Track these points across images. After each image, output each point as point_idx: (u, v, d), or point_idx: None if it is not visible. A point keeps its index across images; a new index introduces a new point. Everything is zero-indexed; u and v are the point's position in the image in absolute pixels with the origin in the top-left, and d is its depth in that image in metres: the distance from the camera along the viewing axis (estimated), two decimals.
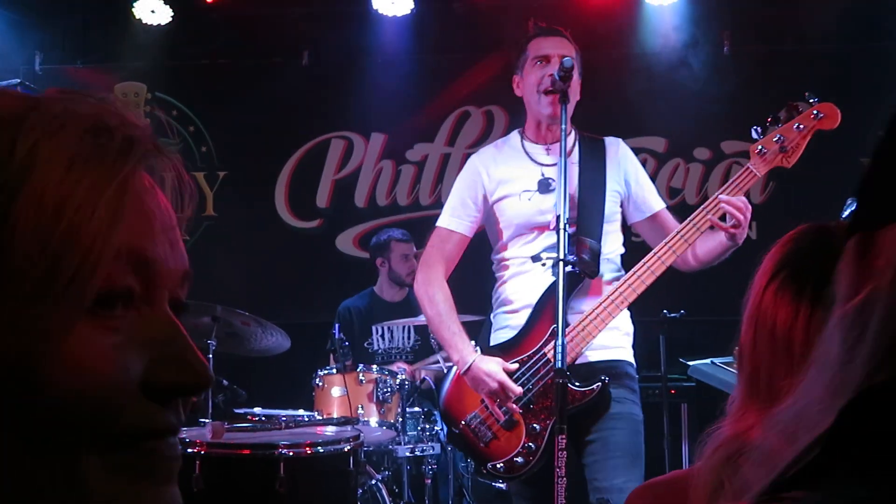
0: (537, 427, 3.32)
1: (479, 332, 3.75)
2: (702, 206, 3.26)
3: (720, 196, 3.20)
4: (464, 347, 3.45)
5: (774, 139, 3.20)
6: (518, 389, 3.32)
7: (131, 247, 0.63)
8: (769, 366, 1.44)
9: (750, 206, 3.19)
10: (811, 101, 3.21)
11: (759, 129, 3.23)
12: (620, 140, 3.68)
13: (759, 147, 3.21)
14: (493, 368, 3.35)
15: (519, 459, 3.34)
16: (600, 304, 3.28)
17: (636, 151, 3.78)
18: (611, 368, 3.37)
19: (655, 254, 3.28)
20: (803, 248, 1.49)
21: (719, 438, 1.41)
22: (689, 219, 3.28)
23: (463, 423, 3.46)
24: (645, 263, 3.27)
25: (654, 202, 3.58)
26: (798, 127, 3.19)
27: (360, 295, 6.06)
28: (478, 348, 3.48)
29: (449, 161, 7.02)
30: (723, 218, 3.21)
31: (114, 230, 0.61)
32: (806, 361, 1.12)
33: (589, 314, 3.26)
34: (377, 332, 5.86)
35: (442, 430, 5.25)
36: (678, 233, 3.28)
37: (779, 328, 1.43)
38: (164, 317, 0.66)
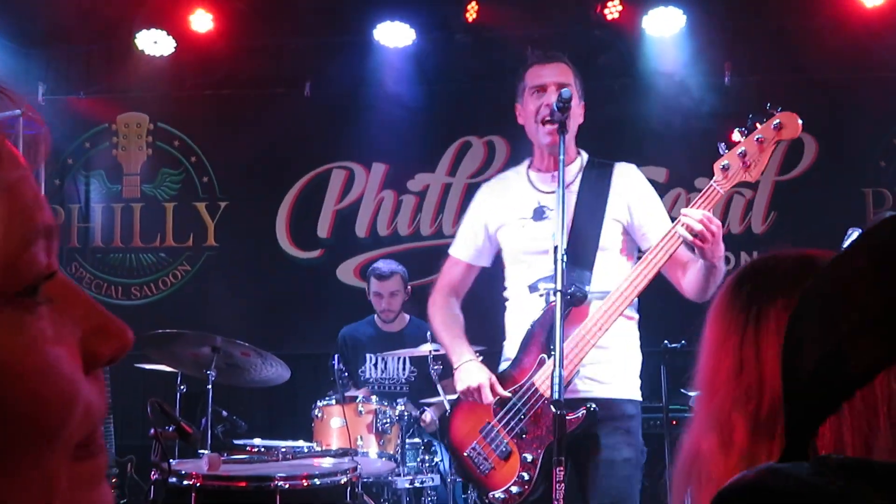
0: (529, 457, 3.33)
1: (490, 363, 3.74)
2: (669, 228, 3.21)
3: (682, 210, 3.17)
4: (460, 349, 3.60)
5: (738, 153, 3.09)
6: (490, 398, 3.39)
7: (42, 219, 0.58)
8: (706, 378, 1.50)
9: (716, 221, 3.08)
10: (771, 111, 3.09)
11: (724, 145, 3.16)
12: (633, 166, 3.62)
13: (723, 163, 3.11)
14: (479, 373, 3.46)
15: (515, 489, 3.36)
16: (578, 331, 3.25)
17: None
18: (606, 409, 3.34)
19: (628, 279, 3.25)
20: (747, 270, 1.54)
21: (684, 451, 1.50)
22: (656, 244, 3.24)
23: (465, 454, 3.50)
24: (619, 288, 3.25)
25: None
26: (759, 139, 3.07)
27: (360, 322, 6.04)
28: (479, 355, 3.60)
29: (450, 191, 7.02)
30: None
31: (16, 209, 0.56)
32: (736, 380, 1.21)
33: (567, 343, 3.23)
34: (371, 361, 5.83)
35: (441, 461, 5.22)
36: (647, 255, 3.24)
37: (713, 345, 1.49)
38: (68, 284, 0.61)
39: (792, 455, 0.88)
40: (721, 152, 3.13)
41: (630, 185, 3.55)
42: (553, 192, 3.45)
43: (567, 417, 3.16)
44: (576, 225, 3.42)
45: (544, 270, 3.40)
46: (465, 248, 3.74)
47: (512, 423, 3.38)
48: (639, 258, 3.48)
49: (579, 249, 3.38)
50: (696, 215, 3.07)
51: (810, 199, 6.53)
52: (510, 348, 3.54)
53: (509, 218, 3.58)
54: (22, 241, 0.56)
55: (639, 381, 3.51)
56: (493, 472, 3.42)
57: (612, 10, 6.53)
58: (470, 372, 3.50)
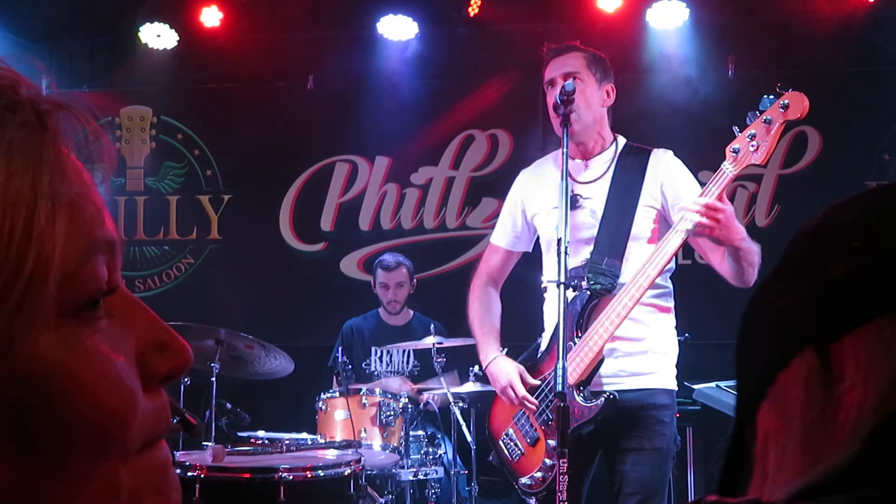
0: (552, 443, 3.34)
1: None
2: (673, 226, 3.21)
3: (681, 206, 3.18)
4: (488, 347, 3.61)
5: (746, 136, 3.07)
6: (523, 391, 3.40)
7: (102, 234, 0.59)
8: None
9: (720, 206, 3.06)
10: (780, 92, 3.05)
11: (738, 129, 3.14)
12: (669, 152, 3.59)
13: (734, 146, 3.10)
14: (508, 368, 3.48)
15: (539, 475, 3.42)
16: (599, 321, 3.26)
17: None
18: (639, 400, 3.36)
19: (642, 268, 3.25)
20: None
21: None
22: (660, 242, 3.26)
23: (500, 441, 3.57)
24: (634, 278, 3.25)
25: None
26: (766, 120, 3.04)
27: (365, 315, 6.06)
28: (504, 350, 3.60)
29: (453, 184, 7.02)
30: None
31: (67, 223, 0.56)
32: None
33: (588, 333, 3.25)
34: (376, 354, 5.85)
35: (444, 453, 5.23)
36: (653, 252, 3.25)
37: None
38: (131, 300, 0.62)
39: (733, 442, 0.87)
40: (736, 134, 3.12)
41: (664, 168, 3.50)
42: (587, 182, 3.47)
43: (587, 405, 3.19)
44: (608, 214, 3.42)
45: (577, 260, 3.37)
46: (504, 235, 3.76)
47: (539, 410, 3.41)
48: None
49: (611, 239, 3.38)
50: (694, 208, 3.08)
51: (814, 193, 6.51)
52: (544, 339, 3.57)
53: (543, 206, 3.57)
54: (81, 256, 0.57)
55: (674, 371, 3.47)
56: (523, 458, 3.48)
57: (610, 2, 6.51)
58: (499, 369, 3.51)
